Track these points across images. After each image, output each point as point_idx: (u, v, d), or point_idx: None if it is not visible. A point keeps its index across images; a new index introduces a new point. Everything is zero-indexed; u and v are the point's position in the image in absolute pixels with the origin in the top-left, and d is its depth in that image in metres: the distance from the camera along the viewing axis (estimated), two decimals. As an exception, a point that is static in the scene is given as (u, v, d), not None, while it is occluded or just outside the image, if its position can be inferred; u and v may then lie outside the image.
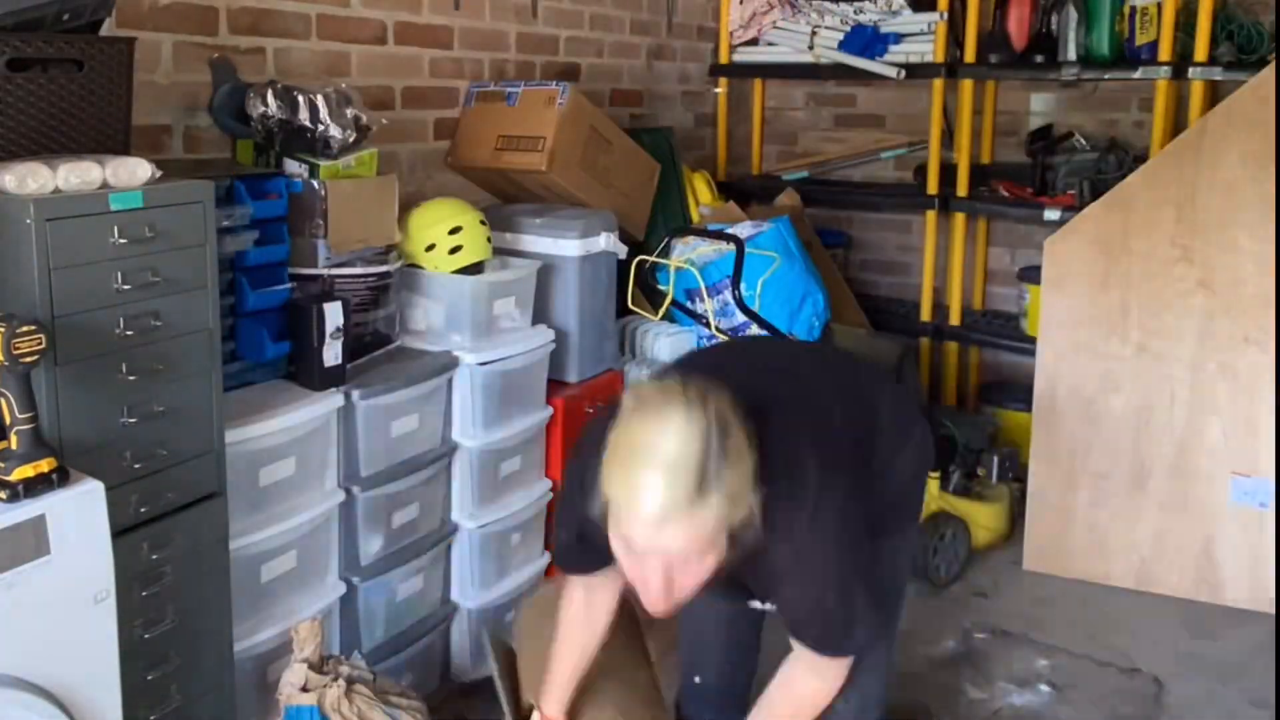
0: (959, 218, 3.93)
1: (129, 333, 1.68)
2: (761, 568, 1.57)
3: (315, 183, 2.25)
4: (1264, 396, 2.99)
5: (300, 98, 2.29)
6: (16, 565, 1.42)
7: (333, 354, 2.20)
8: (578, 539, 1.66)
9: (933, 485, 3.22)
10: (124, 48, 1.82)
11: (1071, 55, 3.64)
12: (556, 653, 1.82)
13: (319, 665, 1.95)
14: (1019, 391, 3.98)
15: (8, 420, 1.47)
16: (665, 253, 3.25)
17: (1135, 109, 4.00)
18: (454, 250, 2.60)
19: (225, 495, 1.89)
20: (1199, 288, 3.06)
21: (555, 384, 2.85)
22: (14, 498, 1.44)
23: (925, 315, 4.04)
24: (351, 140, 2.35)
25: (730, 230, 3.25)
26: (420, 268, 2.60)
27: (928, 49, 3.84)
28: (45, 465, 1.47)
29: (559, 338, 2.82)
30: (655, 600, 1.49)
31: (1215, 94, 3.44)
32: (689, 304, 3.26)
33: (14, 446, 1.46)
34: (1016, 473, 3.54)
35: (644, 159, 3.41)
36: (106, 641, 1.55)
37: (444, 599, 2.61)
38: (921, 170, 4.03)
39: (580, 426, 2.88)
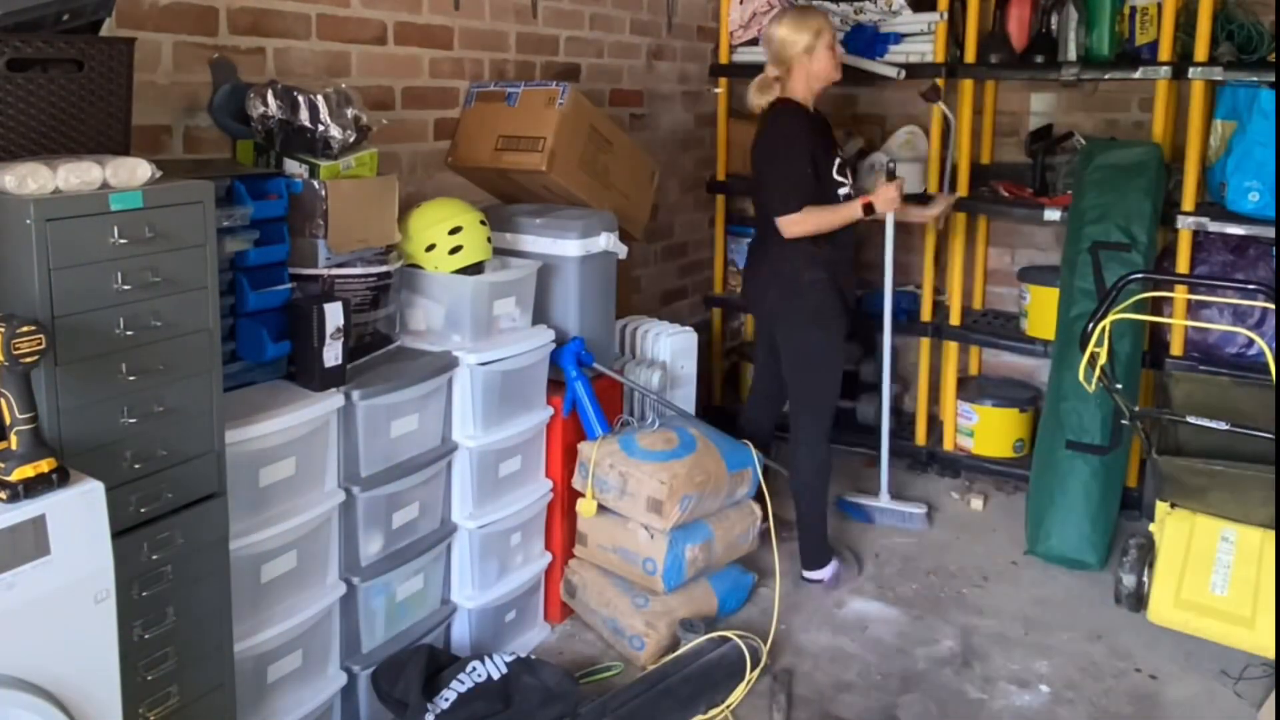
0: (959, 218, 3.93)
1: (129, 333, 1.68)
2: None
3: (315, 183, 2.25)
4: None
5: (300, 98, 2.30)
6: (16, 565, 1.42)
7: (333, 354, 2.20)
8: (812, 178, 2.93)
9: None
10: (124, 48, 1.82)
11: (1071, 55, 3.65)
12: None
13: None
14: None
15: (8, 420, 1.47)
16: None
17: (1135, 109, 4.01)
18: (454, 250, 2.60)
19: (225, 495, 1.89)
20: None
21: (555, 384, 2.85)
22: (14, 498, 1.44)
23: (925, 315, 4.04)
24: (351, 140, 2.35)
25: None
26: (420, 268, 2.61)
27: (928, 49, 3.84)
28: (45, 465, 1.47)
29: (559, 338, 2.82)
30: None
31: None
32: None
33: (14, 446, 1.46)
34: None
35: (644, 159, 3.41)
36: (106, 641, 1.55)
37: (444, 599, 2.61)
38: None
39: (580, 427, 2.88)
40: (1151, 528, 2.91)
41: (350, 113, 2.35)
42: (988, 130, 4.18)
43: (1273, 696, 2.53)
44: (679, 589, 2.81)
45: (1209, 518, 2.78)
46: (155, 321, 1.71)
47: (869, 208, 2.99)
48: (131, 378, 1.69)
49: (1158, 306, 3.40)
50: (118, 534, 1.59)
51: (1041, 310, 3.79)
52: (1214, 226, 3.38)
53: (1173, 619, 2.77)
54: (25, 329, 1.44)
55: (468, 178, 3.20)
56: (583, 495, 2.85)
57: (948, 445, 4.06)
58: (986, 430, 3.96)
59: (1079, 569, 3.28)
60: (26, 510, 1.44)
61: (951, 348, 4.09)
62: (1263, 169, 3.22)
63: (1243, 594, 2.68)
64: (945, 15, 3.79)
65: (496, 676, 2.39)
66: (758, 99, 3.07)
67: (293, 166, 2.31)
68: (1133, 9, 3.64)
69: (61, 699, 1.47)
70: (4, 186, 1.56)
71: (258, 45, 2.50)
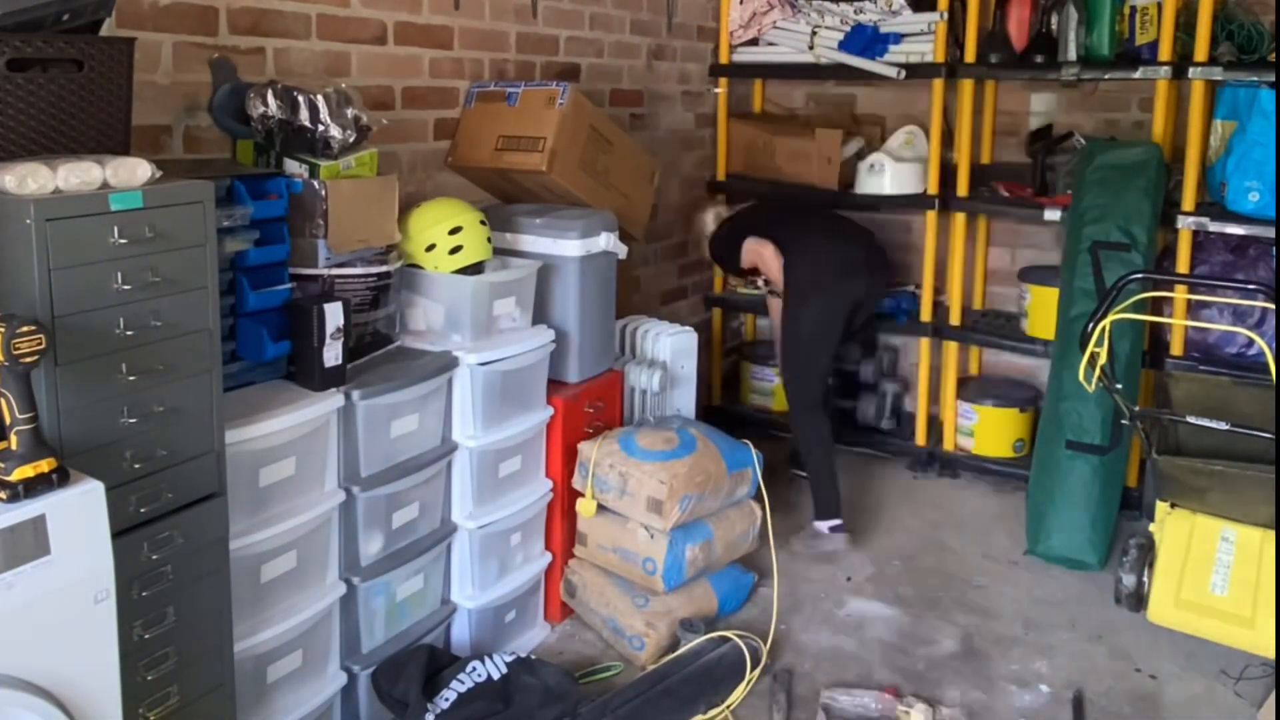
0: (959, 218, 3.93)
1: (129, 333, 1.68)
2: None
3: (315, 183, 2.25)
4: None
5: (300, 98, 2.30)
6: (16, 565, 1.42)
7: (333, 354, 2.20)
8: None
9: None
10: (124, 48, 1.82)
11: (1071, 55, 3.64)
12: None
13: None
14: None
15: (8, 420, 1.47)
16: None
17: (1135, 109, 4.01)
18: (454, 250, 2.60)
19: (225, 495, 1.89)
20: None
21: (555, 384, 2.85)
22: (14, 498, 1.44)
23: (925, 315, 4.04)
24: (351, 140, 2.35)
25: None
26: (420, 268, 2.61)
27: (928, 49, 3.84)
28: (45, 465, 1.47)
29: (559, 338, 2.82)
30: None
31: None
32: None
33: (14, 446, 1.46)
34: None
35: (644, 159, 3.41)
36: (106, 641, 1.55)
37: (444, 599, 2.61)
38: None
39: (580, 427, 2.89)
40: (1151, 528, 2.91)
41: (350, 113, 2.35)
42: (988, 130, 4.17)
43: (1273, 696, 2.53)
44: (679, 589, 2.81)
45: (1209, 518, 2.77)
46: (155, 321, 1.71)
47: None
48: (131, 378, 1.69)
49: (1158, 306, 3.40)
50: (118, 534, 1.59)
51: (1042, 310, 3.79)
52: (1214, 226, 3.38)
53: (1173, 619, 2.76)
54: (25, 329, 1.44)
55: (468, 178, 3.20)
56: (583, 495, 2.85)
57: (948, 445, 4.06)
58: (986, 430, 3.97)
59: (1079, 569, 3.28)
60: (26, 510, 1.44)
61: (951, 348, 4.09)
62: (1263, 169, 3.22)
63: (1243, 594, 2.68)
64: (945, 15, 3.79)
65: (496, 676, 2.39)
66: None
67: (293, 166, 2.31)
68: (1133, 9, 3.64)
69: (61, 699, 1.47)
70: (4, 186, 1.56)
71: (258, 45, 2.50)
